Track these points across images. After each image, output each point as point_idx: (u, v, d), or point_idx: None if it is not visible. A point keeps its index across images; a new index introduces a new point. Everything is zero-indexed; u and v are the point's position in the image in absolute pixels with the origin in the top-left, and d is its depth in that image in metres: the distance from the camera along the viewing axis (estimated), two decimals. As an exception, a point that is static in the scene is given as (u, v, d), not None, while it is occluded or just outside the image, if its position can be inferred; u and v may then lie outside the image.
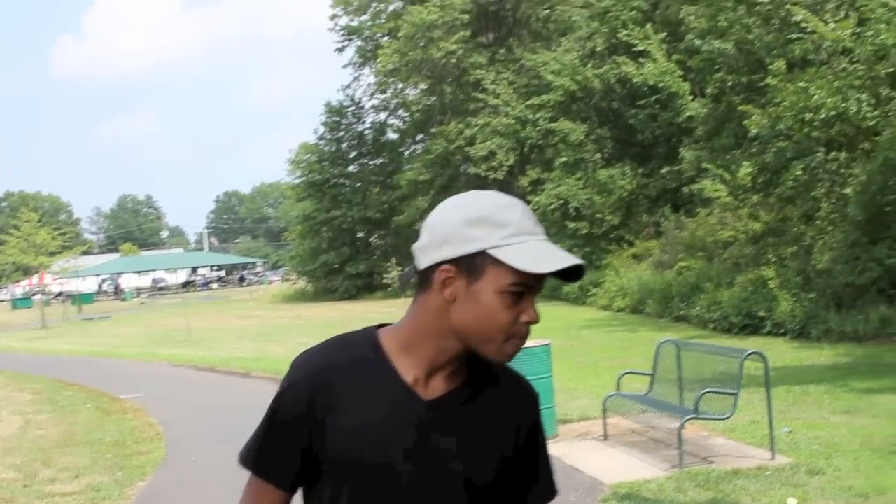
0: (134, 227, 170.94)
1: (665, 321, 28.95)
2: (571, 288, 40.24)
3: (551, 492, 2.50)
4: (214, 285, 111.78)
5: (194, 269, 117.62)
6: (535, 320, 2.21)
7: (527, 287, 2.18)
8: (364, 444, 2.24)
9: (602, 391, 13.73)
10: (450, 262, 2.22)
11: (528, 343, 11.38)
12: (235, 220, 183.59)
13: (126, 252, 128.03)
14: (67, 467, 12.60)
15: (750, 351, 11.02)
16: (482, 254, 2.18)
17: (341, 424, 2.25)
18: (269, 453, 2.32)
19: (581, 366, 19.82)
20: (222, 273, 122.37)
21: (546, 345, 12.14)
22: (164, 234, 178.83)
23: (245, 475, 2.42)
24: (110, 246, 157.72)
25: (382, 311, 44.28)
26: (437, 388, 2.30)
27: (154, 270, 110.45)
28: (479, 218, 2.21)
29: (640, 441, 11.89)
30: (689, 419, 10.54)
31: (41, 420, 17.26)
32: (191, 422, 16.09)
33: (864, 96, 22.12)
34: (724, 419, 10.86)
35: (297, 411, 2.27)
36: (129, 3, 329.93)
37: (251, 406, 16.57)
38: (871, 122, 22.38)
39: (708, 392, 10.63)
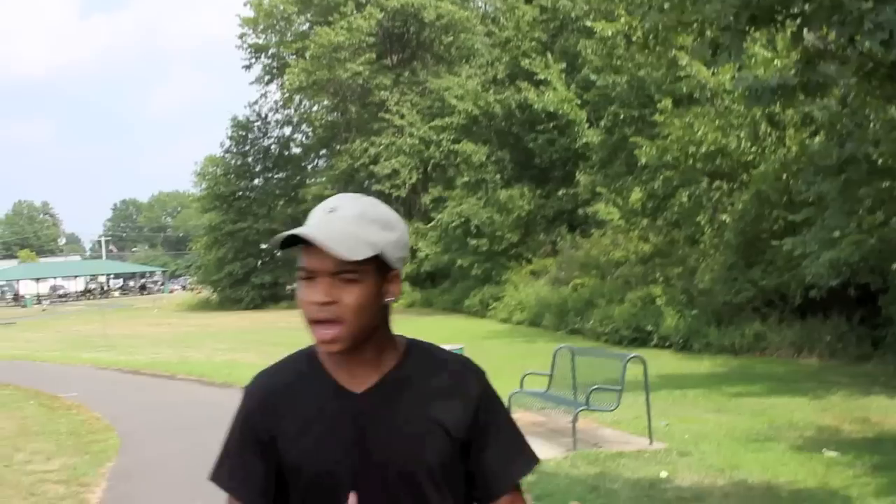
0: (30, 234, 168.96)
1: (561, 333, 30.77)
2: (472, 301, 42.28)
3: (529, 460, 2.55)
4: (115, 293, 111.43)
5: (93, 277, 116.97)
6: (315, 300, 2.31)
7: (307, 271, 2.33)
8: (309, 452, 2.39)
9: (506, 391, 15.50)
10: None
11: (445, 346, 13.50)
12: (133, 229, 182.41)
13: (24, 259, 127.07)
14: (37, 451, 14.06)
15: (632, 355, 13.23)
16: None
17: (289, 440, 2.41)
18: (233, 472, 2.50)
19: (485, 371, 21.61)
20: (120, 281, 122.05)
21: (460, 347, 14.05)
22: (62, 241, 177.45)
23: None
24: (5, 252, 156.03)
25: (289, 321, 45.48)
26: (367, 380, 2.42)
27: (54, 278, 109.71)
28: None
29: (541, 431, 13.81)
30: (582, 410, 12.58)
31: (-9, 415, 18.52)
32: (133, 416, 17.41)
33: (743, 133, 24.34)
34: (610, 410, 12.95)
35: (251, 437, 2.47)
36: (26, 9, 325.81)
37: (184, 404, 18.47)
38: (750, 157, 24.59)
39: (597, 388, 12.72)
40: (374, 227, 2.34)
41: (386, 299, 2.41)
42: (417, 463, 2.37)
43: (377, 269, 2.35)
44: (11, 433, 16.08)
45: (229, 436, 2.55)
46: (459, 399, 2.44)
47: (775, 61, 19.90)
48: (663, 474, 10.59)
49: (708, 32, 7.41)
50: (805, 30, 6.99)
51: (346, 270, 2.29)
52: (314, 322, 2.33)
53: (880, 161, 13.30)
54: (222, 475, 2.52)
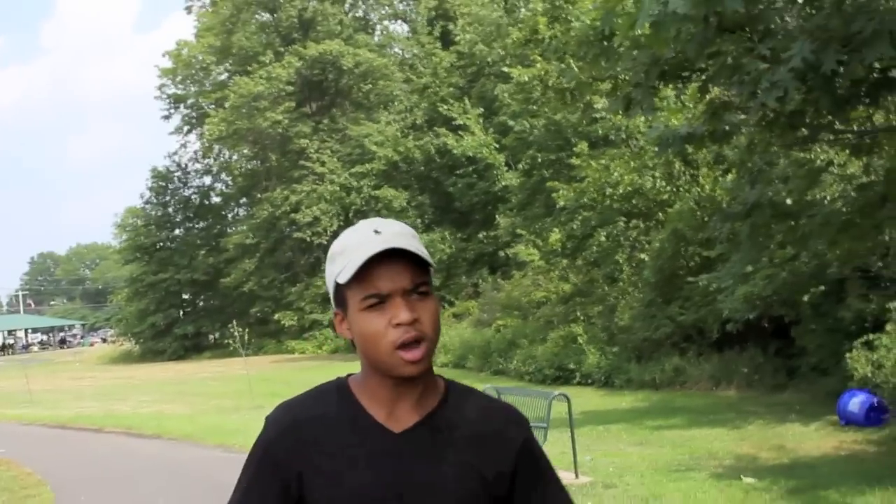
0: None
1: (485, 374, 31.16)
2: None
3: None
4: (35, 348, 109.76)
5: (11, 332, 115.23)
6: (403, 320, 2.14)
7: (379, 295, 2.16)
8: (342, 491, 2.22)
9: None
10: (336, 307, 2.28)
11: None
12: (51, 282, 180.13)
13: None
14: (-29, 509, 14.25)
15: (556, 393, 13.74)
16: (338, 286, 2.22)
17: (318, 477, 2.24)
18: None
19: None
20: (39, 336, 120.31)
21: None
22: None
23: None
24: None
25: (214, 371, 45.59)
26: (407, 419, 2.25)
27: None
28: (330, 256, 2.27)
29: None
30: (511, 447, 13.02)
31: (-81, 472, 18.42)
32: (64, 471, 17.45)
33: (657, 173, 24.99)
34: (538, 447, 13.40)
35: (270, 471, 2.27)
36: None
37: (114, 457, 18.64)
38: (665, 196, 25.24)
39: (525, 426, 13.17)
40: (417, 241, 2.23)
41: None
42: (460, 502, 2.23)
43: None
44: (-57, 491, 16.11)
45: (244, 470, 2.34)
46: (501, 448, 2.29)
47: (684, 110, 20.51)
48: (590, 505, 11.05)
49: (619, 91, 7.93)
50: (710, 85, 7.54)
51: (421, 283, 2.19)
52: (398, 347, 2.16)
53: (789, 200, 13.90)
54: None
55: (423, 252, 2.18)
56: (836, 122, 9.30)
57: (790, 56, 5.98)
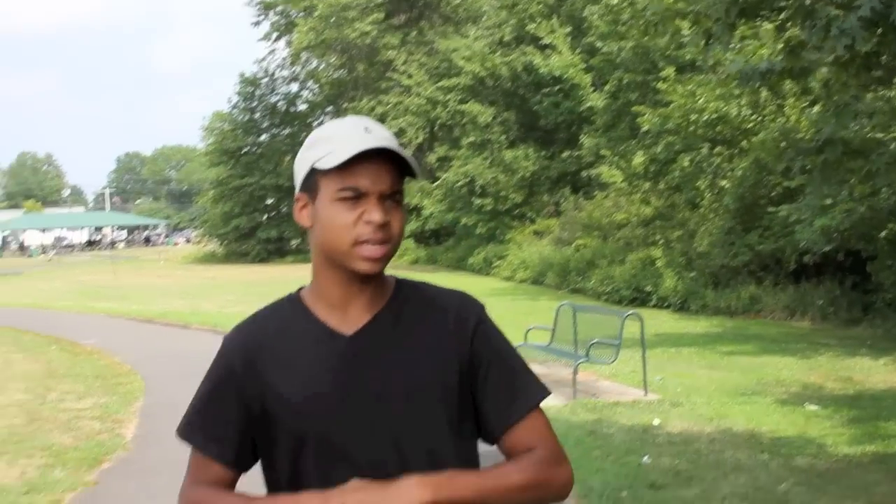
0: (34, 185, 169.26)
1: (563, 292, 31.56)
2: (476, 259, 43.04)
3: (534, 393, 2.39)
4: (120, 245, 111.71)
5: (97, 229, 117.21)
6: (377, 220, 2.17)
7: (357, 190, 2.18)
8: (301, 399, 2.24)
9: (510, 345, 16.41)
10: (301, 191, 2.29)
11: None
12: (136, 181, 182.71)
13: (29, 209, 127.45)
14: (69, 391, 14.95)
15: (629, 312, 14.18)
16: (312, 171, 2.23)
17: (277, 387, 2.26)
18: (207, 426, 2.35)
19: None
20: (124, 233, 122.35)
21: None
22: (66, 192, 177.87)
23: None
24: (9, 202, 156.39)
25: (296, 275, 46.11)
26: (358, 320, 2.29)
27: (60, 228, 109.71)
28: (311, 142, 2.28)
29: (543, 381, 14.67)
30: (582, 362, 13.48)
31: (17, 358, 19.24)
32: (153, 362, 18.21)
33: (743, 101, 25.01)
34: (608, 363, 13.90)
35: (231, 389, 2.31)
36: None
37: (200, 353, 19.08)
38: (750, 125, 25.28)
39: (596, 343, 13.60)
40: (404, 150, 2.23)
41: None
42: (417, 402, 2.25)
43: None
44: (41, 375, 16.92)
45: (202, 388, 2.41)
46: (454, 333, 2.31)
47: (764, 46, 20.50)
48: (656, 422, 11.48)
49: (701, 23, 8.20)
50: (787, 24, 7.81)
51: (397, 191, 2.23)
52: (360, 242, 2.20)
53: (871, 135, 14.02)
54: (193, 431, 2.39)
55: (412, 160, 2.21)
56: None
57: (860, 4, 6.21)
